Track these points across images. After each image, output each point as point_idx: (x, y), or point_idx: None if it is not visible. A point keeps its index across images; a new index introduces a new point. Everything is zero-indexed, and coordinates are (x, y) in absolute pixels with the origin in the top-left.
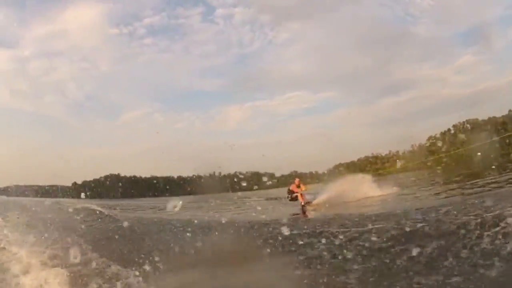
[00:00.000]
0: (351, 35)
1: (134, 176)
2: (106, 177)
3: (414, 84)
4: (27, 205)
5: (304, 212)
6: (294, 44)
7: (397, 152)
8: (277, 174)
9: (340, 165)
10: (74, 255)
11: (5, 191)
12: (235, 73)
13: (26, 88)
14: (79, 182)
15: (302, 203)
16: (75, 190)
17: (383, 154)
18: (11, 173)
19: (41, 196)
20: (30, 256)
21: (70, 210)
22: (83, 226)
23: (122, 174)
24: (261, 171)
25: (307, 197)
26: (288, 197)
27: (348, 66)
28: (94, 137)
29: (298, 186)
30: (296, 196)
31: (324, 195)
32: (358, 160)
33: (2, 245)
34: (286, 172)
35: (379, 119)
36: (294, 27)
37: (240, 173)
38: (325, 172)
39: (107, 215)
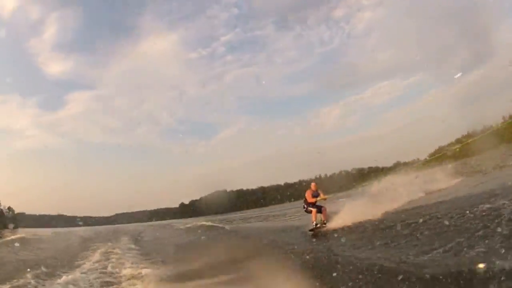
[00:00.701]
0: (427, 11)
1: (241, 189)
2: (213, 193)
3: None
4: (139, 230)
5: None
6: (372, 33)
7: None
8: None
9: (442, 148)
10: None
11: (115, 220)
12: (322, 73)
13: (116, 123)
14: (186, 202)
15: (314, 222)
16: (183, 210)
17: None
18: (117, 202)
19: (149, 220)
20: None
21: (181, 227)
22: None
23: (228, 189)
24: (365, 166)
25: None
26: (304, 207)
27: (431, 46)
28: (193, 158)
29: (316, 194)
30: (311, 210)
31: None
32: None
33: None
34: (389, 164)
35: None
36: (366, 16)
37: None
38: (427, 158)
39: (222, 227)
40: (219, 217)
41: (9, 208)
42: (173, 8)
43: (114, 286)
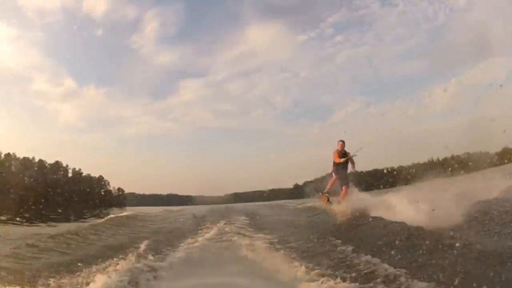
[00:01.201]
0: None
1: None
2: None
3: None
4: (252, 208)
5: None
6: (476, 4)
7: None
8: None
9: None
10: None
11: (228, 199)
12: (432, 50)
13: (229, 108)
14: (300, 183)
15: (326, 189)
16: (296, 191)
17: None
18: (232, 183)
19: (263, 200)
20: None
21: (299, 206)
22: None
23: None
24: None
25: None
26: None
27: None
28: (308, 139)
29: (343, 154)
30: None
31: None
32: None
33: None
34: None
35: None
36: None
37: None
38: None
39: None
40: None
41: (118, 189)
42: None
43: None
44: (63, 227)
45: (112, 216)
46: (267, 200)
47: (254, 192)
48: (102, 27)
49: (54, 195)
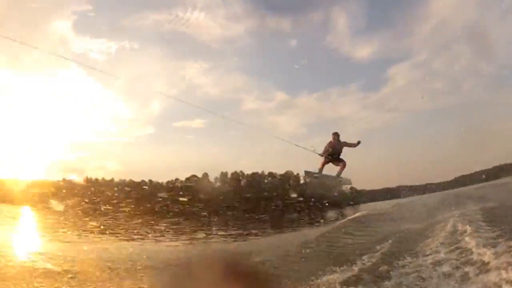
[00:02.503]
0: None
1: None
2: None
3: None
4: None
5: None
6: None
7: None
8: None
9: None
10: None
11: (455, 183)
12: None
13: (439, 86)
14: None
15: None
16: None
17: None
18: (455, 166)
19: (484, 180)
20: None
21: None
22: None
23: None
24: None
25: None
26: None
27: None
28: None
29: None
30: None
31: None
32: None
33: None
34: None
35: None
36: None
37: None
38: None
39: None
40: None
41: (351, 188)
42: None
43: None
44: (314, 230)
45: (350, 217)
46: (492, 178)
47: (481, 172)
48: (294, 37)
49: (291, 200)
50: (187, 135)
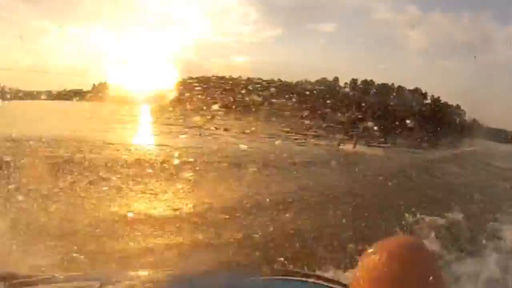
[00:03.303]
0: None
1: None
2: None
3: None
4: None
5: None
6: None
7: None
8: None
9: None
10: None
11: None
12: None
13: None
14: None
15: None
16: None
17: None
18: None
19: None
20: None
21: None
22: None
23: None
24: None
25: None
26: None
27: None
28: None
29: None
30: None
31: None
32: None
33: None
34: None
35: None
36: None
37: None
38: None
39: None
40: None
41: (473, 120)
42: None
43: None
44: (433, 153)
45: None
46: None
47: None
48: None
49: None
50: (320, 39)
